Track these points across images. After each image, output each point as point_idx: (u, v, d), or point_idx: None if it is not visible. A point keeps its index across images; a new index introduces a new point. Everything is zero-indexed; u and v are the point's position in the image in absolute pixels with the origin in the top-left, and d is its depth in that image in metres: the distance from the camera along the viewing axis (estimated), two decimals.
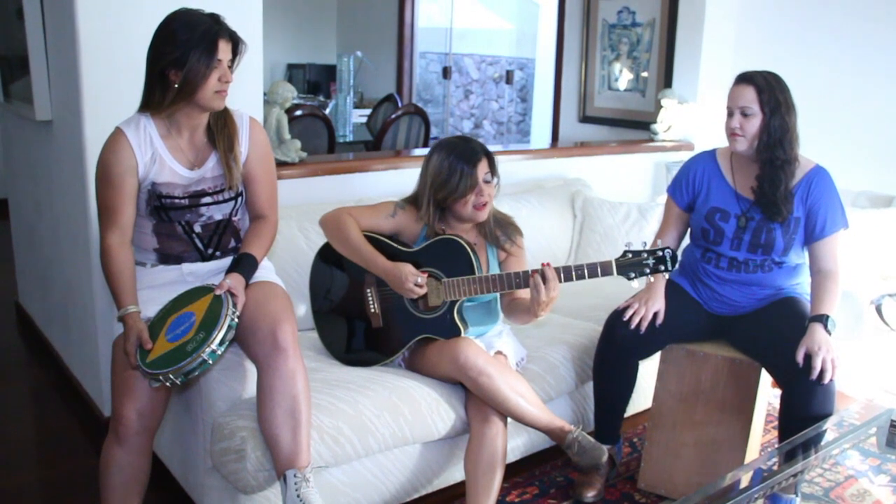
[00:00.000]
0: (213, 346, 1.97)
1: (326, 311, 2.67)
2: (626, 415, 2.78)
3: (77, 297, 3.11)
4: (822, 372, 2.28)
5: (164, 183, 2.15)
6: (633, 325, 2.55)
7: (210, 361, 1.98)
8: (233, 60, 2.14)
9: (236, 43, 2.14)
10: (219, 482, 2.23)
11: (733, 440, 2.58)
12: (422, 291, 2.43)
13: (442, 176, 2.47)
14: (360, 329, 2.60)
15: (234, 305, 2.07)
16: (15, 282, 4.26)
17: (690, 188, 2.65)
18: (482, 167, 2.47)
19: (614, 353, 2.63)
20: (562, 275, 2.32)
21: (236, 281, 2.14)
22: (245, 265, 2.20)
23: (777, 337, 2.44)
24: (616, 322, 2.63)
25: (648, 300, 2.57)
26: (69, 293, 3.22)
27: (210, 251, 2.26)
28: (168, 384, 1.98)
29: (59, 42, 2.88)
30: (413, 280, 2.42)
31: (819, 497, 2.54)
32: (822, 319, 2.37)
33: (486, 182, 2.49)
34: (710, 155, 2.68)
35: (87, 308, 2.96)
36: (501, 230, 2.62)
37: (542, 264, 2.34)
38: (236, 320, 2.06)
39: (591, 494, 2.62)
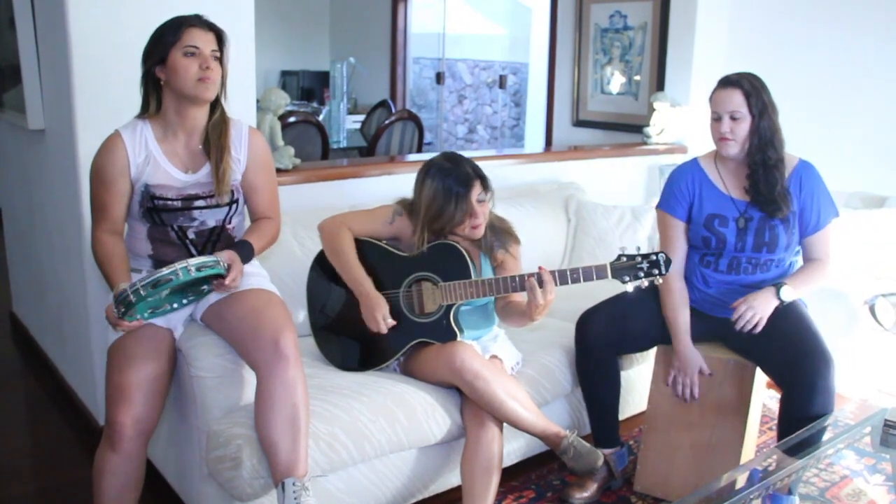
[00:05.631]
0: (189, 265, 1.99)
1: (323, 317, 2.67)
2: (621, 417, 2.78)
3: (71, 306, 3.10)
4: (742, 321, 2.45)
5: (157, 185, 2.18)
6: (687, 397, 2.60)
7: (181, 276, 1.97)
8: (221, 53, 2.18)
9: (219, 35, 2.18)
10: (214, 489, 2.23)
11: (729, 442, 2.59)
12: (382, 330, 2.46)
13: (437, 205, 2.46)
14: (357, 334, 2.60)
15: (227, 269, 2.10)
16: (9, 291, 4.25)
17: (686, 198, 2.64)
18: (475, 190, 2.47)
19: (590, 354, 2.67)
20: (556, 278, 2.33)
21: (230, 255, 2.15)
22: (241, 247, 2.21)
23: (775, 339, 2.46)
24: (585, 324, 2.68)
25: (685, 366, 2.59)
26: (63, 302, 3.22)
27: None
28: (133, 298, 1.95)
29: (51, 51, 2.88)
30: (381, 317, 2.44)
31: (815, 497, 2.55)
32: (777, 285, 2.47)
33: (480, 202, 2.49)
34: (694, 163, 2.67)
35: (82, 317, 2.95)
36: (497, 237, 2.60)
37: (539, 268, 2.34)
38: (223, 267, 2.07)
39: (578, 496, 2.62)
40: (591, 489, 2.64)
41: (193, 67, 2.11)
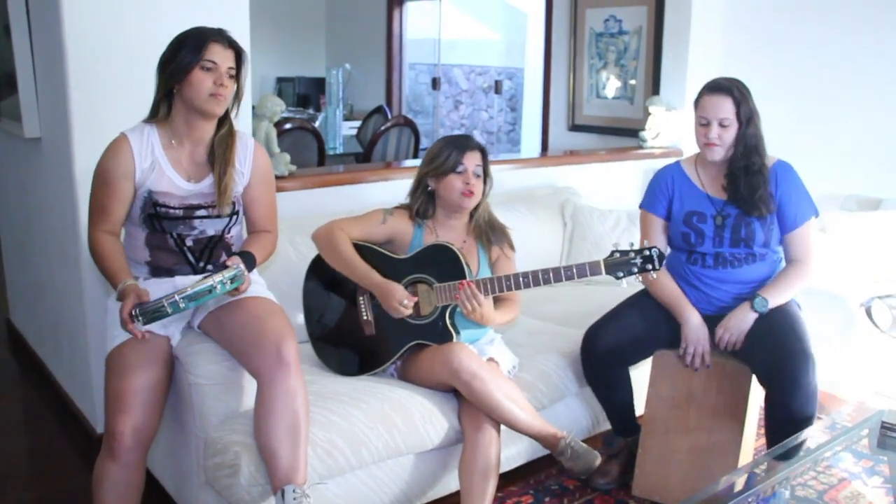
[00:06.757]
0: (224, 278, 2.02)
1: (321, 325, 2.67)
2: None
3: (68, 314, 3.10)
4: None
5: (160, 192, 2.18)
6: (697, 365, 2.60)
7: (218, 290, 2.02)
8: (238, 71, 2.19)
9: (239, 53, 2.19)
10: (212, 497, 2.23)
11: (727, 445, 2.59)
12: (406, 312, 2.46)
13: (432, 154, 2.57)
14: (354, 338, 2.60)
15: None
16: (6, 299, 4.25)
17: (665, 196, 2.69)
18: (473, 156, 2.54)
19: (598, 369, 2.69)
20: (551, 276, 2.35)
21: (236, 260, 2.16)
22: (244, 257, 2.22)
23: (761, 338, 2.49)
24: (590, 342, 2.68)
25: (698, 335, 2.59)
26: (60, 310, 3.21)
27: (202, 264, 2.27)
28: (170, 310, 1.97)
29: (46, 59, 2.88)
30: (401, 300, 2.44)
31: (813, 500, 2.54)
32: (753, 298, 2.50)
33: (477, 175, 2.54)
34: (675, 165, 2.73)
35: (79, 325, 2.95)
36: (494, 234, 2.65)
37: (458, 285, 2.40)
38: (245, 277, 2.10)
39: (602, 481, 2.72)
40: (614, 473, 2.73)
41: (208, 82, 2.12)
